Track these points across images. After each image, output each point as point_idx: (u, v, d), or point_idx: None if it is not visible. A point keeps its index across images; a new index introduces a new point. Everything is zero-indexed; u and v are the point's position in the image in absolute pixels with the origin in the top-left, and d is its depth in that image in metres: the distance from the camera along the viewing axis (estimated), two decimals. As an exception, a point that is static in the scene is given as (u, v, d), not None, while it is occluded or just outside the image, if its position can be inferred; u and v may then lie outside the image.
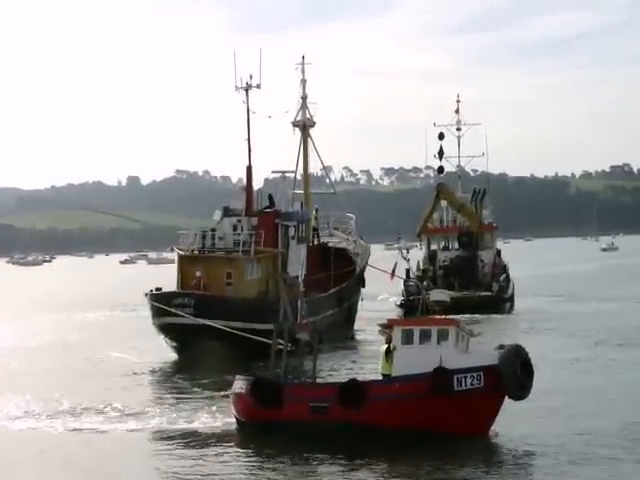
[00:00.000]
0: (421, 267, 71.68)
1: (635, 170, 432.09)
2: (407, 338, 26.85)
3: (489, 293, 66.52)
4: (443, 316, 27.56)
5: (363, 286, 59.59)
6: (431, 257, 72.82)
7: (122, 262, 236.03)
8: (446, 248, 73.90)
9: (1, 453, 27.06)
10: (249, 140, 51.43)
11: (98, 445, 27.38)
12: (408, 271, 71.07)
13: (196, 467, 24.64)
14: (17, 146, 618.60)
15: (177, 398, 34.53)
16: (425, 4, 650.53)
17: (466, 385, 26.07)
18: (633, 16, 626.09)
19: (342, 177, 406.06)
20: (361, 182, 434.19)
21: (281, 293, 29.53)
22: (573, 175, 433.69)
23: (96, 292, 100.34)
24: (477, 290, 66.65)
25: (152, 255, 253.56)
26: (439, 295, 28.19)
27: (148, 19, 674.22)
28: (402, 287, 68.24)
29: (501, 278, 69.38)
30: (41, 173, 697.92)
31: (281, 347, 28.40)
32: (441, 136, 77.41)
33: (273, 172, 60.17)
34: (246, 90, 51.30)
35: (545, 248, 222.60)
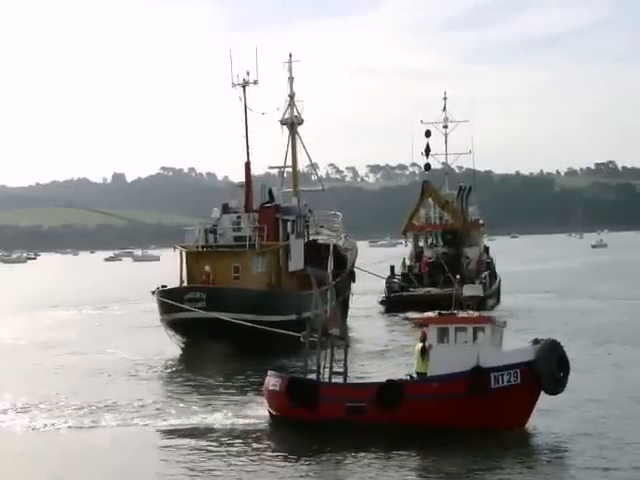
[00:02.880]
0: (406, 264, 71.93)
1: (620, 167, 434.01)
2: (442, 336, 26.95)
3: (471, 290, 66.45)
4: (477, 313, 27.50)
5: (353, 281, 60.07)
6: (417, 254, 72.95)
7: (107, 259, 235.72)
8: (433, 245, 74.02)
9: (33, 453, 26.79)
10: (247, 136, 51.65)
11: (120, 442, 27.30)
12: (392, 268, 71.41)
13: (227, 463, 24.53)
14: (1, 143, 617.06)
15: (201, 393, 34.33)
16: (413, 1, 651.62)
17: (503, 382, 26.21)
18: (620, 14, 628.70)
19: (327, 174, 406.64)
20: (347, 179, 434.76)
21: (313, 287, 29.48)
22: (558, 172, 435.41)
23: (81, 290, 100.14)
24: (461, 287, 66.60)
25: (137, 252, 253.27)
26: (472, 290, 28.07)
27: (132, 17, 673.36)
28: (385, 284, 68.42)
29: (483, 275, 69.35)
30: (26, 170, 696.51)
31: (314, 341, 28.29)
32: (428, 133, 77.38)
33: (270, 167, 60.27)
34: (243, 86, 51.46)
35: (532, 245, 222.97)
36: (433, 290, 66.56)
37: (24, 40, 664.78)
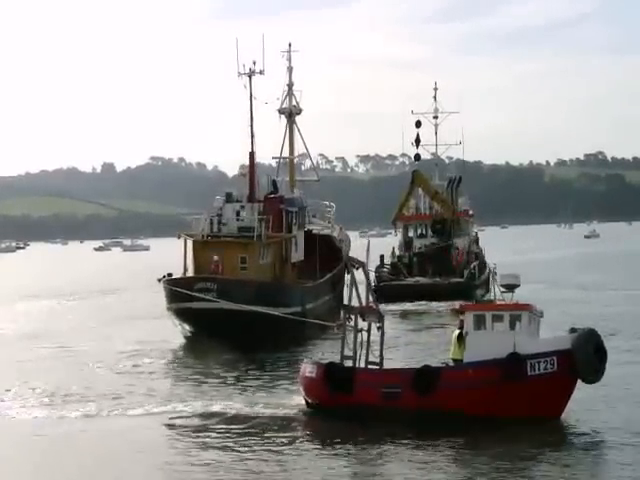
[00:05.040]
0: (396, 254, 72.08)
1: (609, 158, 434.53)
2: (479, 323, 27.05)
3: (460, 280, 66.86)
4: (515, 301, 27.44)
5: (348, 272, 59.93)
6: (407, 244, 73.16)
7: (96, 249, 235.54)
8: (422, 235, 74.18)
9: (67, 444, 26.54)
10: (252, 126, 51.88)
11: (155, 430, 27.28)
12: (382, 258, 71.58)
13: (263, 450, 24.56)
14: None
15: (228, 381, 34.24)
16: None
17: (539, 370, 26.26)
18: (611, 6, 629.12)
19: (317, 164, 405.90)
20: (337, 169, 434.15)
21: (350, 276, 29.81)
22: (548, 163, 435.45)
23: (71, 280, 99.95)
24: (450, 277, 67.05)
25: (127, 242, 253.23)
26: (509, 279, 28.02)
27: (120, 6, 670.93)
28: (374, 273, 68.58)
29: (472, 265, 69.52)
30: (15, 159, 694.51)
31: (350, 330, 28.41)
32: (418, 124, 77.56)
33: (274, 158, 60.29)
34: (249, 76, 51.67)
35: (523, 235, 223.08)
36: (422, 280, 66.88)
37: (11, 28, 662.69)
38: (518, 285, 27.92)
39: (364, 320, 28.78)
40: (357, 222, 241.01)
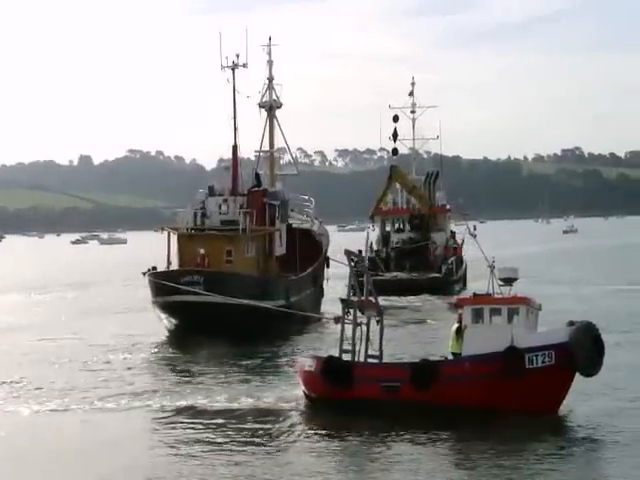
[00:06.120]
0: (373, 248, 72.10)
1: (586, 154, 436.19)
2: (477, 316, 27.13)
3: (438, 275, 67.09)
4: (513, 294, 27.45)
5: (327, 266, 60.11)
6: (384, 239, 73.27)
7: (73, 242, 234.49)
8: (399, 230, 74.39)
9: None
10: (235, 119, 51.86)
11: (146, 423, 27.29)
12: (360, 252, 71.58)
13: (261, 443, 24.57)
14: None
15: (223, 375, 34.16)
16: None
17: (537, 363, 26.36)
18: (592, 3, 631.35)
19: (296, 158, 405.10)
20: (315, 163, 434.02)
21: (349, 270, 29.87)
22: (525, 158, 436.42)
23: (47, 272, 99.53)
24: (427, 272, 67.25)
25: (104, 235, 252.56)
26: (508, 272, 28.02)
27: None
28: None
29: (450, 260, 69.75)
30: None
31: (349, 323, 28.48)
32: (395, 118, 77.80)
33: (256, 152, 60.30)
34: (232, 69, 51.59)
35: (502, 230, 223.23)
36: (400, 275, 67.02)
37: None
38: (517, 278, 27.95)
39: (363, 314, 28.77)
40: (336, 216, 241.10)
